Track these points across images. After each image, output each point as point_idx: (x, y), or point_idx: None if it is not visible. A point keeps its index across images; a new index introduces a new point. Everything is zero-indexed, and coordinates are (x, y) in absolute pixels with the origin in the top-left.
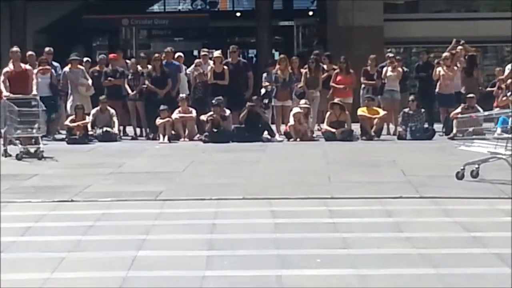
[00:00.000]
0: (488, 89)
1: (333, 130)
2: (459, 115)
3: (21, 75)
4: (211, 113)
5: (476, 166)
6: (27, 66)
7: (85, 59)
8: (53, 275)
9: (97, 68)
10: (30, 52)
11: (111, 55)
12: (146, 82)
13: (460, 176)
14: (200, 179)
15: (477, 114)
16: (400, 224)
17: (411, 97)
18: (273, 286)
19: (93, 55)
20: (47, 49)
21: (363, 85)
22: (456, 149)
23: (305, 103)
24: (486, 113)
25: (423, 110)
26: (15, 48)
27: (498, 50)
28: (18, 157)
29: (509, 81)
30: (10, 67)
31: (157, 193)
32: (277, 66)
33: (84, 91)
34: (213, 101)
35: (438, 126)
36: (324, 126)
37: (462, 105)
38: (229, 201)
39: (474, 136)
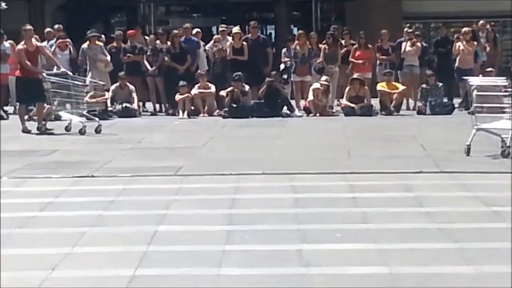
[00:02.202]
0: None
1: (353, 105)
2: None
3: (34, 53)
4: (230, 88)
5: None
6: (38, 43)
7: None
8: (73, 250)
9: (114, 44)
10: (48, 29)
11: (129, 32)
12: (166, 58)
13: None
14: (220, 155)
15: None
16: (420, 198)
17: (429, 72)
18: (293, 260)
19: (111, 31)
20: (56, 26)
21: (378, 61)
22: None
23: (326, 80)
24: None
25: (441, 84)
26: (28, 26)
27: None
28: (42, 130)
29: None
30: (22, 45)
31: (177, 168)
32: (296, 42)
33: (103, 67)
34: (234, 76)
35: (457, 101)
36: (344, 101)
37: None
38: (249, 176)
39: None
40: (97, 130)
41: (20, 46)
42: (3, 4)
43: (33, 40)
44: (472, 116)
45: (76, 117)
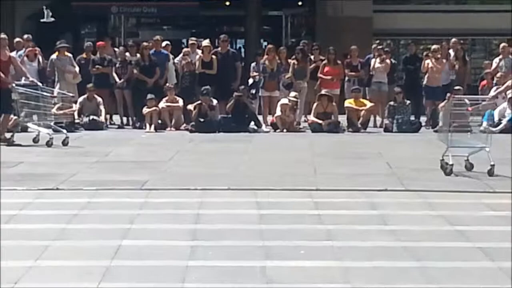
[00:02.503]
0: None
1: (320, 121)
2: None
3: (6, 63)
4: (198, 102)
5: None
6: (12, 54)
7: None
8: (37, 263)
9: (83, 55)
10: (17, 39)
11: (99, 43)
12: (135, 70)
13: (448, 172)
14: (186, 169)
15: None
16: (384, 216)
17: (397, 89)
18: (257, 277)
19: (81, 42)
20: (25, 36)
21: (347, 77)
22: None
23: (295, 96)
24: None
25: (408, 102)
26: (3, 35)
27: (486, 43)
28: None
29: (498, 74)
30: None
31: (143, 182)
32: (265, 56)
33: (71, 78)
34: (202, 90)
35: (424, 119)
36: (311, 117)
37: (448, 95)
38: (214, 191)
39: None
40: (64, 143)
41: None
42: (50, 15)
43: (6, 50)
44: (446, 135)
45: (44, 129)
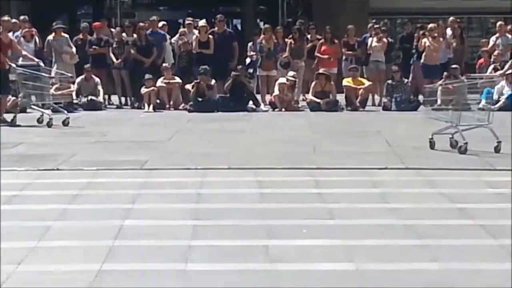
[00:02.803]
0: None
1: (318, 100)
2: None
3: (7, 45)
4: (196, 82)
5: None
6: (11, 36)
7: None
8: (39, 244)
9: (80, 36)
10: (13, 20)
11: (95, 24)
12: (132, 50)
13: (432, 146)
14: (186, 148)
15: (454, 84)
16: (385, 195)
17: (394, 68)
18: (259, 256)
19: (78, 23)
20: (22, 17)
21: (344, 56)
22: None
23: (293, 76)
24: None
25: (406, 80)
26: (6, 18)
27: (482, 21)
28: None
29: (495, 52)
30: None
31: (143, 162)
32: (262, 36)
33: (68, 59)
34: (199, 70)
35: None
36: (309, 96)
37: (445, 73)
38: (214, 171)
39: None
40: (65, 123)
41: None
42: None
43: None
44: (456, 113)
45: (45, 110)
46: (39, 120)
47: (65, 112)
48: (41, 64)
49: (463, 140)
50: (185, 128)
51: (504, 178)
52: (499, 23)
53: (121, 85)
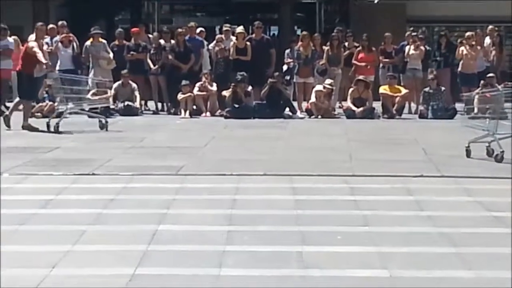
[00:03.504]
0: None
1: (354, 108)
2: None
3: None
4: (233, 88)
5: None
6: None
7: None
8: (74, 248)
9: (116, 42)
10: (51, 25)
11: (133, 29)
12: (170, 56)
13: (468, 154)
14: (221, 155)
15: (491, 93)
16: (420, 202)
17: (431, 76)
18: (294, 262)
19: (115, 29)
20: (60, 23)
21: (381, 64)
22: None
23: (330, 84)
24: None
25: (443, 88)
26: (41, 25)
27: None
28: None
29: None
30: (35, 40)
31: (178, 167)
32: (299, 43)
33: (105, 64)
34: (237, 77)
35: (460, 106)
36: (347, 103)
37: (482, 82)
38: (250, 177)
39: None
40: (104, 127)
41: (33, 42)
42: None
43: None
44: (493, 122)
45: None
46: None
47: (103, 117)
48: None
49: (499, 148)
50: (221, 135)
51: None
52: None
53: (157, 90)
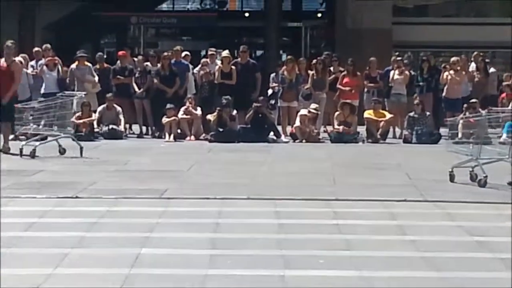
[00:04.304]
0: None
1: (340, 127)
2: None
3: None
4: (217, 112)
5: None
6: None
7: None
8: (56, 271)
9: (97, 66)
10: (36, 48)
11: (119, 52)
12: (155, 80)
13: (452, 179)
14: (205, 178)
15: (475, 118)
16: (403, 227)
17: (416, 101)
18: (276, 286)
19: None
20: (44, 46)
21: (366, 89)
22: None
23: (315, 108)
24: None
25: (428, 113)
26: (9, 42)
27: (506, 55)
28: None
29: None
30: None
31: (162, 191)
32: (284, 67)
33: (90, 88)
34: (222, 101)
35: (444, 131)
36: (335, 126)
37: (465, 106)
38: (233, 201)
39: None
40: (80, 155)
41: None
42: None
43: (13, 58)
44: (476, 147)
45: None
46: (60, 151)
47: (80, 143)
48: (36, 106)
49: (483, 173)
50: (205, 158)
51: None
52: None
53: (142, 114)
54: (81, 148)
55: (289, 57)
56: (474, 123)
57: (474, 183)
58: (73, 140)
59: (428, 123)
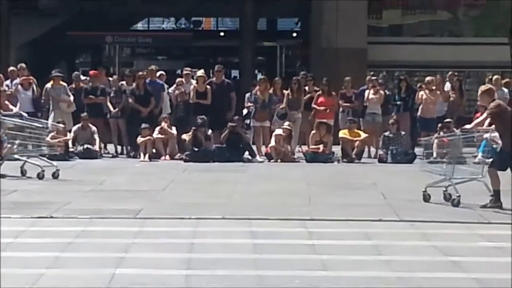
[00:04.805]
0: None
1: (316, 146)
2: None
3: None
4: (192, 132)
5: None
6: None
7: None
8: None
9: (73, 85)
10: (11, 68)
11: (91, 72)
12: (130, 99)
13: (426, 199)
14: (180, 198)
15: (449, 138)
16: (379, 247)
17: (391, 121)
18: None
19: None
20: (19, 65)
21: (341, 108)
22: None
23: (288, 125)
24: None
25: (403, 133)
26: None
27: (480, 75)
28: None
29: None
30: None
31: (137, 211)
32: (257, 87)
33: (65, 107)
34: (197, 120)
35: (419, 150)
36: (310, 146)
37: (440, 125)
38: (208, 221)
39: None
40: (55, 176)
41: None
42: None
43: None
44: (450, 166)
45: (34, 160)
46: (39, 176)
47: (55, 164)
48: (24, 114)
49: (456, 193)
50: (180, 178)
51: (497, 232)
52: (495, 77)
53: (117, 134)
54: (57, 170)
55: (262, 77)
56: (448, 143)
57: (448, 203)
58: (47, 160)
59: (403, 142)
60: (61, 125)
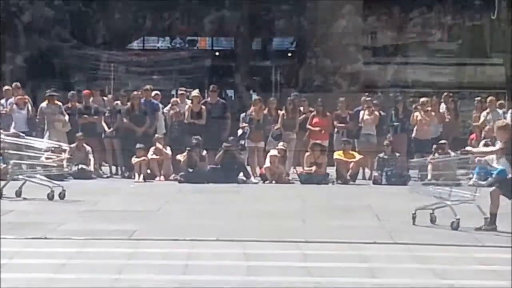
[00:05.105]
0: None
1: (310, 168)
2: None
3: None
4: (187, 152)
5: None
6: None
7: None
8: None
9: (68, 105)
10: (6, 87)
11: (84, 91)
12: (124, 119)
13: (413, 221)
14: (175, 219)
15: (444, 159)
16: (373, 269)
17: (386, 142)
18: None
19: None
20: (14, 84)
21: (336, 129)
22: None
23: (283, 145)
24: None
25: (398, 154)
26: None
27: (475, 96)
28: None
29: (486, 128)
30: None
31: (131, 232)
32: (252, 108)
33: (60, 127)
34: (192, 141)
35: (414, 172)
36: (304, 168)
37: (434, 147)
38: (202, 242)
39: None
40: (49, 196)
41: None
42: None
43: None
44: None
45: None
46: (17, 193)
47: (59, 183)
48: (21, 134)
49: (455, 216)
50: (175, 199)
51: (493, 255)
52: (489, 98)
53: (112, 154)
54: (52, 191)
55: (256, 97)
56: (443, 165)
57: (443, 225)
58: (43, 180)
59: (397, 164)
60: (57, 144)
